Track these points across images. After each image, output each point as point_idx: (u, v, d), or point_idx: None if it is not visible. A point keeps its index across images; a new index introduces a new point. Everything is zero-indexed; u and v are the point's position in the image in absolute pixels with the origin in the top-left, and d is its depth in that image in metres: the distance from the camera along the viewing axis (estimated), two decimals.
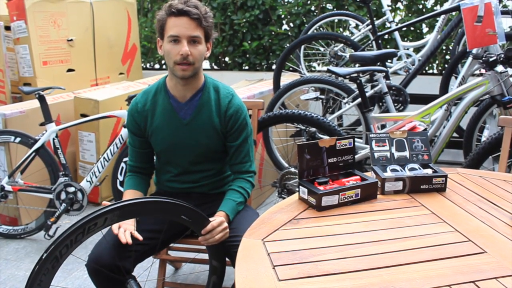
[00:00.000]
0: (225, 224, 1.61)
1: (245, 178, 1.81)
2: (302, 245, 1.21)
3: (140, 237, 1.59)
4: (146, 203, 1.45)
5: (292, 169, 2.69)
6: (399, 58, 3.66)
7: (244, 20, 4.92)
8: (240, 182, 1.80)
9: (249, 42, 4.98)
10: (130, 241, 1.57)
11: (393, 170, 1.60)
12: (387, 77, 3.24)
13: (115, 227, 1.61)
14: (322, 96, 3.36)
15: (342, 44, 3.83)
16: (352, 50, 3.63)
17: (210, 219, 1.58)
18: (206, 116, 1.76)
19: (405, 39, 4.45)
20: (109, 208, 1.35)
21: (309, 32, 3.97)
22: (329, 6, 4.73)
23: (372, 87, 3.14)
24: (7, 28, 3.69)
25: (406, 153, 1.66)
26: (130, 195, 1.79)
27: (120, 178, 2.86)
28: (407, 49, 3.71)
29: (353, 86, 2.81)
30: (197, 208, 1.63)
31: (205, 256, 1.85)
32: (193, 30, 1.64)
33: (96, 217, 1.33)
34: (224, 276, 1.76)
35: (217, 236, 1.57)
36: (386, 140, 1.67)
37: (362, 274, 1.08)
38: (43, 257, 1.29)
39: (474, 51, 2.72)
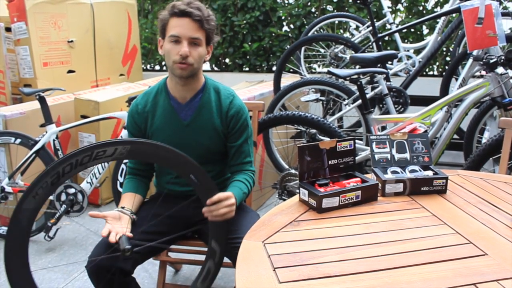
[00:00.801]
0: (233, 200, 1.58)
1: (247, 173, 1.81)
2: (302, 247, 1.21)
3: (130, 235, 1.56)
4: (159, 147, 1.42)
5: (293, 171, 2.69)
6: (400, 60, 3.66)
7: (245, 21, 4.93)
8: (245, 175, 1.79)
9: (250, 43, 4.98)
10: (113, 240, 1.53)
11: (393, 172, 1.60)
12: (387, 79, 3.24)
13: (105, 231, 1.55)
14: (323, 98, 3.36)
15: (342, 46, 3.84)
16: (353, 52, 3.63)
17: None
18: (206, 117, 1.76)
19: (406, 40, 4.46)
20: (122, 140, 1.34)
21: (309, 34, 3.98)
22: (329, 7, 4.73)
23: (373, 88, 3.14)
24: (8, 29, 3.70)
25: (407, 155, 1.66)
26: (128, 197, 1.77)
27: (120, 179, 2.86)
28: (408, 50, 3.71)
29: (354, 87, 2.81)
30: (197, 210, 1.62)
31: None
32: (194, 31, 1.65)
33: (107, 145, 1.32)
34: (221, 265, 1.67)
35: (222, 210, 1.54)
36: (387, 142, 1.67)
37: (362, 276, 1.08)
38: (46, 170, 1.27)
39: (475, 52, 2.72)
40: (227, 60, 5.31)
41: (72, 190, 2.76)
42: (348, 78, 2.63)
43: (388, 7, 4.02)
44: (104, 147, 1.32)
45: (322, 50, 4.08)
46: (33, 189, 1.28)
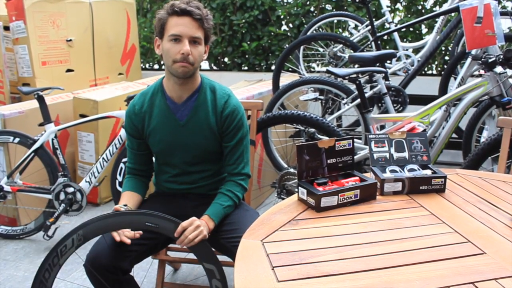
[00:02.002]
0: (197, 223, 1.60)
1: (235, 181, 1.79)
2: (301, 246, 1.21)
3: (128, 241, 1.59)
4: (107, 216, 1.55)
5: (291, 170, 2.69)
6: (398, 59, 3.66)
7: (244, 20, 4.93)
8: (230, 185, 1.78)
9: (248, 42, 4.98)
10: (128, 241, 1.58)
11: (392, 171, 1.60)
12: (386, 78, 3.24)
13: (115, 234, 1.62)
14: (321, 97, 3.36)
15: (341, 45, 3.84)
16: (351, 51, 3.63)
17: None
18: (202, 117, 1.75)
19: (404, 40, 4.46)
20: (73, 230, 1.52)
21: (308, 33, 3.97)
22: (328, 6, 4.73)
23: (371, 87, 3.14)
24: (6, 28, 3.69)
25: (405, 154, 1.66)
26: (127, 196, 1.78)
27: (119, 178, 2.86)
28: (406, 50, 3.71)
29: (352, 86, 2.81)
30: (195, 209, 1.63)
31: None
32: (195, 30, 1.65)
33: (64, 240, 1.53)
34: (225, 277, 1.67)
35: (190, 236, 1.57)
36: (385, 141, 1.67)
37: (361, 275, 1.08)
38: (33, 281, 1.48)
39: (473, 52, 2.72)
40: (226, 59, 5.31)
41: (71, 189, 2.76)
42: (347, 77, 2.63)
43: (387, 6, 4.02)
44: (63, 242, 1.54)
45: (321, 49, 4.08)
46: None
